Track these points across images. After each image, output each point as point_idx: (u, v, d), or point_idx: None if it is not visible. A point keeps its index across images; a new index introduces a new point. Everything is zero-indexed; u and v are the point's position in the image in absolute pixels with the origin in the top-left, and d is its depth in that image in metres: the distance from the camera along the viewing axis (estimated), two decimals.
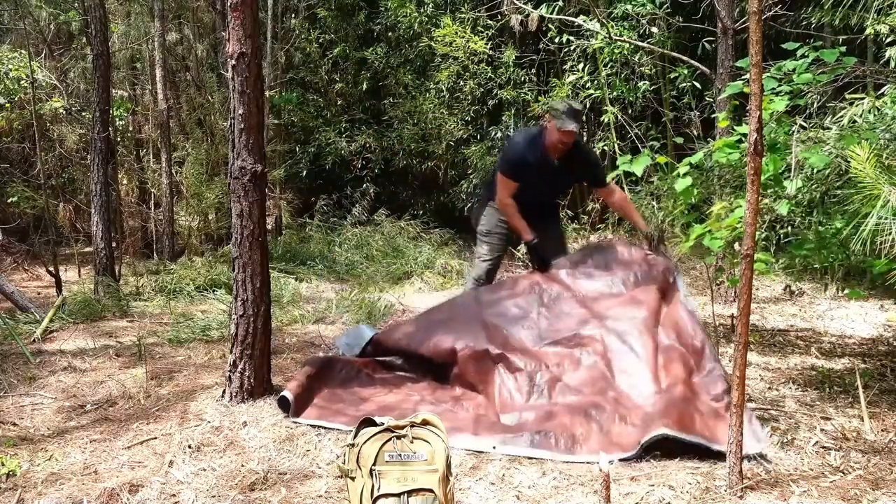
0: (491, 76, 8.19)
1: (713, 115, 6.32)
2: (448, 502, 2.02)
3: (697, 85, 7.03)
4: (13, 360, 3.91)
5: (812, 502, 2.23)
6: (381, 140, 9.14)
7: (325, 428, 2.89)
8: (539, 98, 7.95)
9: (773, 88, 3.22)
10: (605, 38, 6.52)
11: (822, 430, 2.79)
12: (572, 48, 7.47)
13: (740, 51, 5.38)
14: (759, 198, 2.29)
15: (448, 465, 2.06)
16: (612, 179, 3.83)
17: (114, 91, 8.12)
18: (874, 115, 3.54)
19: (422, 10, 8.43)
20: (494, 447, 2.67)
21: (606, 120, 7.32)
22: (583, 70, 7.55)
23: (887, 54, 5.26)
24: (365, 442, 2.03)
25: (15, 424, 3.02)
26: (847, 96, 3.86)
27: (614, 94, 7.39)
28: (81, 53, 8.94)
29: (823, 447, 2.64)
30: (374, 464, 1.99)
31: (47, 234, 6.79)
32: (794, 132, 3.44)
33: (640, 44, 6.52)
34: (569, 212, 7.89)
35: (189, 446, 2.69)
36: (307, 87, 9.84)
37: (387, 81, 9.11)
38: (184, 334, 4.42)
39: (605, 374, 3.04)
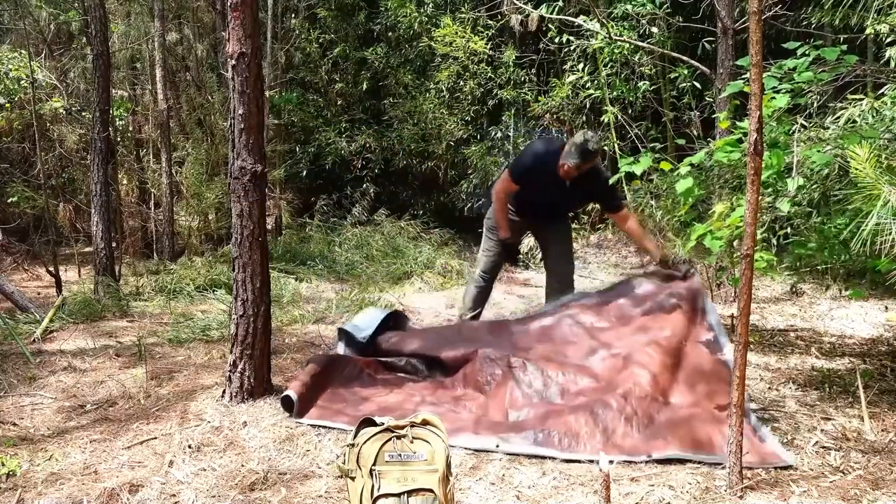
0: (491, 76, 8.19)
1: (713, 115, 6.31)
2: (448, 502, 2.02)
3: (697, 85, 7.03)
4: (13, 360, 3.91)
5: (812, 502, 2.23)
6: (381, 140, 9.14)
7: (327, 427, 2.90)
8: (539, 98, 7.95)
9: (774, 87, 3.22)
10: (605, 38, 6.52)
11: (822, 430, 2.79)
12: (572, 48, 7.47)
13: (740, 51, 5.37)
14: (760, 197, 2.29)
15: (448, 465, 2.06)
16: (625, 204, 3.87)
17: (114, 91, 8.12)
18: (873, 116, 3.54)
19: (422, 10, 8.44)
20: (498, 445, 2.67)
21: (606, 120, 7.32)
22: (583, 70, 7.55)
23: (887, 54, 5.26)
24: (365, 442, 2.03)
25: (15, 424, 3.02)
26: (848, 97, 3.86)
27: (614, 94, 7.40)
28: (81, 53, 8.94)
29: (823, 447, 2.64)
30: (374, 464, 1.99)
31: (47, 234, 6.79)
32: (794, 131, 3.44)
33: (640, 44, 6.53)
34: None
35: (189, 446, 2.69)
36: (307, 87, 9.85)
37: (387, 81, 9.11)
38: (184, 334, 4.42)
39: (616, 378, 3.04)
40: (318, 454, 2.65)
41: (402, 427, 2.07)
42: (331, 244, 7.78)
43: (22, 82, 7.34)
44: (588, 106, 7.83)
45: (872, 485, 2.32)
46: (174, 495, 2.35)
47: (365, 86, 9.29)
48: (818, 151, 3.06)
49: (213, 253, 7.95)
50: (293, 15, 9.98)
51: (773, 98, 3.11)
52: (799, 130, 3.46)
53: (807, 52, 3.31)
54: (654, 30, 7.19)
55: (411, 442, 2.04)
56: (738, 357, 2.29)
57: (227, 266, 6.53)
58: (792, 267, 3.50)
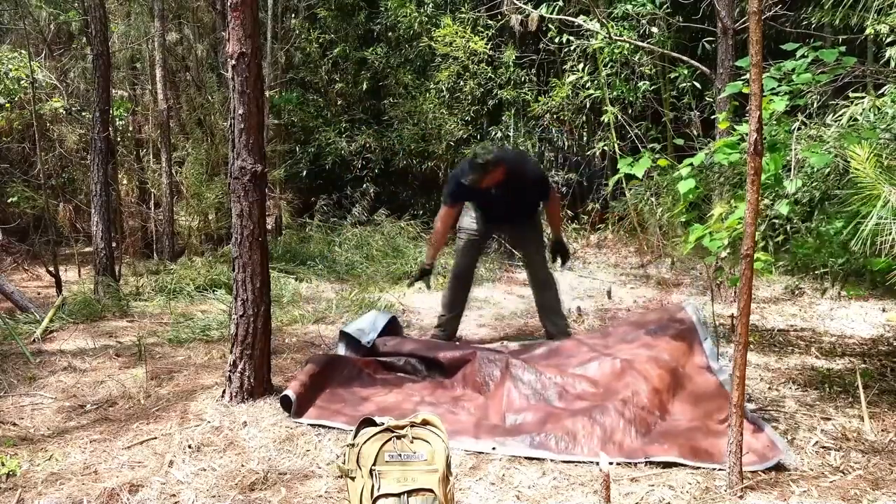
0: (491, 76, 8.19)
1: (713, 116, 6.32)
2: (448, 502, 2.02)
3: (697, 85, 7.04)
4: (13, 360, 3.91)
5: (812, 502, 2.23)
6: (381, 140, 9.14)
7: (326, 427, 2.90)
8: (539, 98, 7.95)
9: (773, 89, 3.22)
10: (605, 38, 6.53)
11: (822, 430, 2.79)
12: (572, 48, 7.47)
13: (740, 51, 5.37)
14: (759, 198, 2.29)
15: (448, 465, 2.06)
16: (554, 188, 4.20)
17: (114, 91, 8.12)
18: (874, 115, 3.54)
19: (422, 10, 8.43)
20: (494, 448, 2.67)
21: (606, 120, 7.33)
22: (583, 70, 7.55)
23: (887, 54, 5.26)
24: (365, 442, 2.03)
25: (15, 424, 3.02)
26: (850, 95, 3.86)
27: (614, 94, 7.40)
28: (81, 53, 8.94)
29: (823, 447, 2.64)
30: (374, 464, 1.99)
31: (47, 234, 6.79)
32: (794, 131, 3.44)
33: (640, 44, 6.53)
34: (569, 212, 7.90)
35: (189, 446, 2.70)
36: (307, 87, 9.84)
37: (387, 81, 9.11)
38: (184, 334, 4.42)
39: (615, 384, 3.06)
40: (318, 454, 2.65)
41: (402, 427, 2.07)
42: (331, 244, 7.78)
43: (22, 82, 7.33)
44: (588, 106, 7.83)
45: (872, 485, 2.33)
46: (174, 495, 2.35)
47: (365, 86, 9.29)
48: (817, 152, 3.06)
49: (213, 253, 7.94)
50: (293, 15, 9.98)
51: (772, 101, 3.11)
52: (798, 129, 3.46)
53: (805, 54, 3.31)
54: (654, 30, 7.20)
55: (411, 442, 2.04)
56: (738, 357, 2.29)
57: (227, 266, 6.53)
58: (790, 268, 3.50)
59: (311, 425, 2.91)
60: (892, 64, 5.17)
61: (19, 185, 8.25)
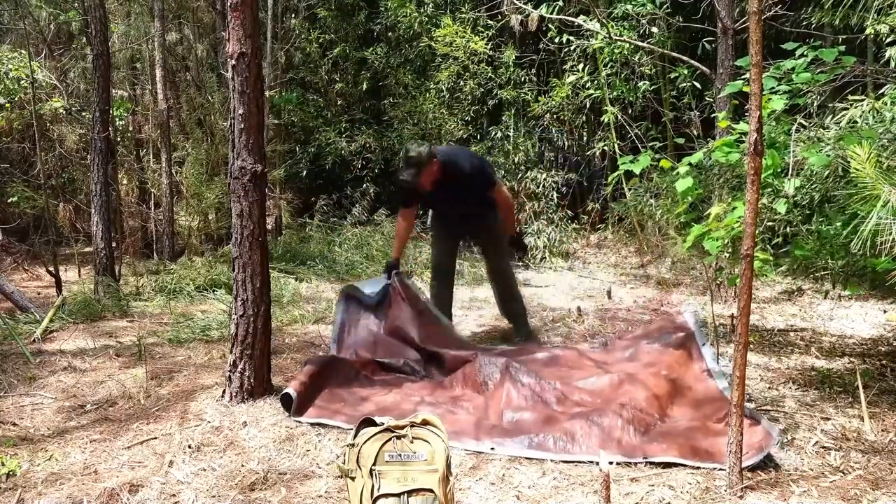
0: (491, 76, 8.19)
1: (713, 115, 6.32)
2: (448, 502, 2.02)
3: (697, 85, 7.04)
4: (13, 360, 3.91)
5: (812, 502, 2.23)
6: (381, 140, 9.14)
7: (325, 425, 2.91)
8: (539, 98, 7.95)
9: (773, 88, 3.22)
10: (605, 38, 6.53)
11: (822, 430, 2.79)
12: (572, 48, 7.47)
13: (740, 51, 5.38)
14: (759, 197, 2.30)
15: (448, 465, 2.06)
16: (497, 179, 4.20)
17: (114, 91, 8.12)
18: (873, 117, 3.54)
19: (422, 10, 8.43)
20: (493, 448, 2.67)
21: (606, 120, 7.33)
22: (583, 70, 7.56)
23: (887, 54, 5.26)
24: (365, 442, 2.03)
25: (15, 424, 3.02)
26: (849, 98, 3.86)
27: (614, 94, 7.40)
28: (81, 53, 8.94)
29: (823, 447, 2.64)
30: (374, 464, 1.99)
31: (47, 234, 6.79)
32: (793, 131, 3.44)
33: (640, 44, 6.53)
34: (569, 211, 7.90)
35: (189, 446, 2.70)
36: (307, 87, 9.85)
37: (387, 81, 9.11)
38: (184, 334, 4.42)
39: (614, 393, 3.09)
40: (318, 454, 2.65)
41: (402, 427, 2.07)
42: (331, 244, 7.78)
43: (22, 82, 7.33)
44: (588, 106, 7.83)
45: (872, 485, 2.33)
46: (174, 495, 2.35)
47: (365, 86, 9.29)
48: (817, 152, 3.06)
49: (213, 253, 7.94)
50: (293, 15, 9.98)
51: (771, 100, 3.11)
52: (798, 130, 3.46)
53: (805, 53, 3.31)
54: (654, 30, 7.20)
55: (411, 442, 2.04)
56: (738, 357, 2.29)
57: (227, 266, 6.53)
58: (790, 270, 3.51)
59: (312, 424, 2.91)
60: (892, 64, 5.17)
61: (19, 185, 8.25)
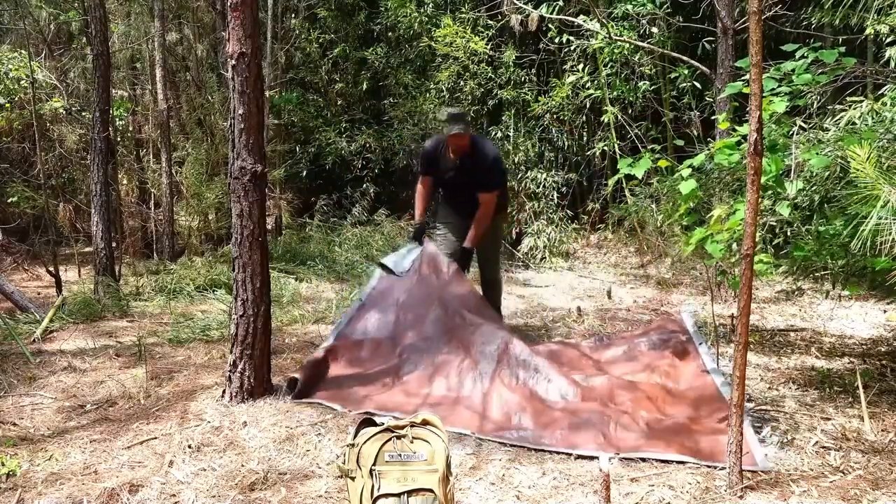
0: (491, 76, 8.19)
1: (713, 116, 6.32)
2: (448, 502, 2.02)
3: (697, 85, 7.04)
4: (13, 360, 3.91)
5: (812, 502, 2.23)
6: (381, 140, 9.14)
7: (327, 406, 3.09)
8: (539, 98, 7.95)
9: (773, 89, 3.22)
10: (605, 38, 6.53)
11: (822, 430, 2.79)
12: (572, 48, 7.47)
13: (740, 51, 5.38)
14: (759, 198, 2.30)
15: (448, 465, 2.06)
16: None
17: (114, 91, 8.12)
18: (872, 119, 3.54)
19: (422, 10, 8.43)
20: (479, 436, 2.78)
21: (606, 120, 7.32)
22: (583, 70, 7.55)
23: (887, 54, 5.26)
24: (365, 442, 2.03)
25: (15, 424, 3.02)
26: (847, 99, 3.87)
27: (614, 94, 7.40)
28: (81, 53, 8.94)
29: (823, 447, 2.64)
30: (374, 464, 1.99)
31: (47, 234, 6.79)
32: (793, 133, 3.44)
33: (640, 44, 6.53)
34: (569, 211, 7.90)
35: (189, 446, 2.70)
36: (307, 87, 9.84)
37: (387, 81, 9.11)
38: (184, 334, 4.42)
39: (608, 388, 3.14)
40: (318, 454, 2.65)
41: (402, 427, 2.07)
42: (331, 244, 7.78)
43: (22, 82, 7.33)
44: (588, 106, 7.83)
45: (872, 485, 2.33)
46: (174, 495, 2.35)
47: (365, 86, 9.29)
48: (817, 154, 3.07)
49: (213, 253, 7.94)
50: (293, 15, 9.98)
51: (772, 101, 3.11)
52: (798, 132, 3.46)
53: (805, 54, 3.31)
54: (654, 30, 7.20)
55: (411, 442, 2.04)
56: (738, 357, 2.29)
57: (227, 266, 6.53)
58: (790, 271, 3.51)
59: (312, 424, 2.91)
60: (892, 64, 5.17)
61: (19, 185, 8.25)
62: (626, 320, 4.80)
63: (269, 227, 7.94)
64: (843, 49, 3.28)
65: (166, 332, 4.54)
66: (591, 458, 2.59)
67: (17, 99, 7.59)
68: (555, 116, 7.99)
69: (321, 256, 7.22)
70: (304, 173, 9.56)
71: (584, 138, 8.20)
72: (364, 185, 9.13)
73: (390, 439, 2.04)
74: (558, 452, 2.65)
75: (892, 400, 3.08)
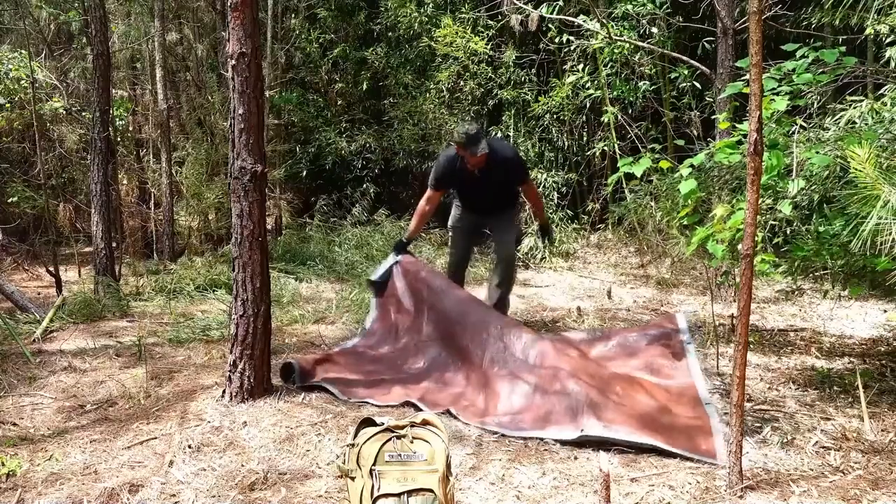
0: (491, 76, 8.19)
1: (713, 116, 6.32)
2: (448, 502, 2.02)
3: (697, 85, 7.03)
4: (13, 360, 3.91)
5: (812, 502, 2.23)
6: (381, 140, 9.13)
7: (326, 390, 3.24)
8: (539, 98, 7.94)
9: (773, 89, 3.22)
10: (605, 38, 6.52)
11: (822, 430, 2.79)
12: (572, 48, 7.47)
13: (740, 51, 5.38)
14: (759, 198, 2.30)
15: (448, 465, 2.06)
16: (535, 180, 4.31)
17: (114, 91, 8.12)
18: (873, 117, 3.54)
19: (422, 10, 8.43)
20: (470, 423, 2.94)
21: (606, 120, 7.32)
22: (583, 70, 7.55)
23: (887, 54, 5.26)
24: (365, 442, 2.03)
25: (15, 424, 3.02)
26: (847, 98, 3.87)
27: (614, 94, 7.39)
28: (81, 53, 8.94)
29: (823, 447, 2.64)
30: (374, 464, 1.99)
31: (47, 234, 6.79)
32: (794, 132, 3.44)
33: (640, 44, 6.53)
34: (569, 211, 7.90)
35: (189, 446, 2.70)
36: (307, 87, 9.84)
37: (387, 81, 9.10)
38: (184, 334, 4.42)
39: (598, 374, 3.21)
40: (318, 454, 2.65)
41: (402, 427, 2.07)
42: (331, 244, 7.77)
43: (22, 82, 7.33)
44: (588, 106, 7.82)
45: (872, 485, 2.33)
46: (174, 495, 2.35)
47: (365, 86, 9.28)
48: (817, 153, 3.07)
49: (213, 253, 7.94)
50: (293, 15, 9.98)
51: (773, 100, 3.11)
52: (798, 132, 3.46)
53: (806, 54, 3.31)
54: (654, 30, 7.19)
55: (411, 442, 2.04)
56: (738, 357, 2.29)
57: (227, 266, 6.53)
58: (790, 271, 3.51)
59: (312, 424, 2.91)
60: (892, 64, 5.17)
61: (19, 185, 8.25)
62: (626, 320, 4.80)
63: (269, 227, 7.94)
64: (843, 49, 3.28)
65: (166, 332, 4.54)
66: (567, 442, 2.63)
67: (17, 99, 7.59)
68: (555, 116, 7.99)
69: (321, 256, 7.22)
70: (304, 173, 9.56)
71: (584, 138, 8.20)
72: (364, 185, 9.13)
73: (390, 439, 2.04)
74: (527, 438, 2.79)
75: (892, 400, 3.08)
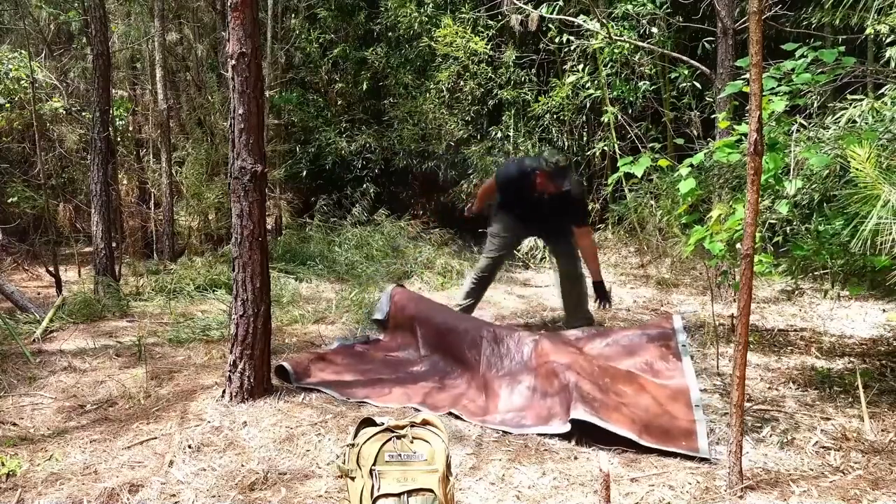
0: (491, 76, 8.19)
1: (713, 115, 6.32)
2: (448, 502, 2.02)
3: (697, 85, 7.03)
4: (13, 360, 3.91)
5: (812, 502, 2.23)
6: (381, 140, 9.13)
7: (321, 391, 3.26)
8: (539, 98, 7.95)
9: (773, 89, 3.22)
10: (605, 38, 6.52)
11: (822, 430, 2.79)
12: (572, 48, 7.47)
13: (740, 51, 5.37)
14: (759, 198, 2.30)
15: (448, 465, 2.06)
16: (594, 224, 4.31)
17: (114, 91, 8.11)
18: (872, 118, 3.54)
19: (422, 10, 8.43)
20: (472, 423, 2.95)
21: (606, 120, 7.32)
22: (583, 70, 7.55)
23: (887, 54, 5.26)
24: (365, 442, 2.03)
25: (15, 424, 3.02)
26: (848, 97, 3.86)
27: (614, 94, 7.39)
28: (81, 53, 8.93)
29: (823, 447, 2.64)
30: (374, 464, 1.99)
31: (47, 234, 6.78)
32: (793, 132, 3.44)
33: (640, 44, 6.53)
34: None
35: (189, 446, 2.70)
36: (307, 87, 9.84)
37: (387, 81, 9.10)
38: (184, 334, 4.42)
39: (574, 368, 3.21)
40: (318, 454, 2.65)
41: (402, 427, 2.07)
42: (331, 244, 7.77)
43: (22, 82, 7.33)
44: (588, 106, 7.82)
45: (872, 485, 2.33)
46: (174, 495, 2.35)
47: (365, 86, 9.28)
48: (816, 153, 3.07)
49: (213, 253, 7.94)
50: (293, 15, 9.97)
51: (771, 101, 3.11)
52: (798, 131, 3.46)
53: (805, 54, 3.31)
54: (654, 30, 7.19)
55: (411, 442, 2.04)
56: (738, 357, 2.29)
57: (227, 266, 6.53)
58: (790, 270, 3.51)
59: (312, 424, 2.91)
60: (892, 64, 5.17)
61: (19, 185, 8.24)
62: (626, 320, 4.80)
63: (269, 227, 7.94)
64: (843, 49, 3.28)
65: (166, 332, 4.54)
66: (555, 435, 2.59)
67: (17, 99, 7.58)
68: (555, 116, 7.99)
69: (321, 256, 7.22)
70: (304, 173, 9.56)
71: (584, 138, 8.20)
72: (364, 185, 9.13)
73: (390, 439, 2.04)
74: (530, 435, 2.82)
75: (892, 400, 3.08)
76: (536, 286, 6.21)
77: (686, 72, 6.92)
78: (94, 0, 5.60)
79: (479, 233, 8.19)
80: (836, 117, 3.81)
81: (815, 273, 3.45)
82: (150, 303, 5.56)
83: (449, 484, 2.04)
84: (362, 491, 1.97)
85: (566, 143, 8.05)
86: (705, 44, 7.00)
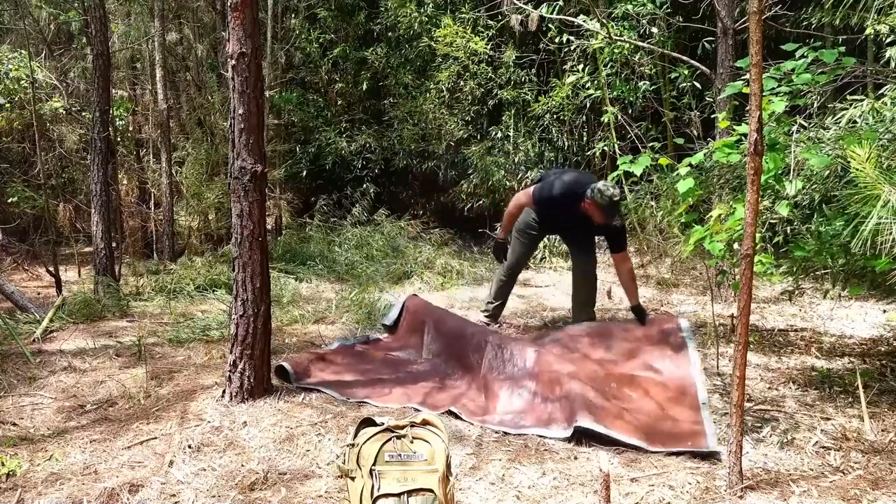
0: (491, 76, 8.19)
1: (713, 115, 6.31)
2: (448, 502, 2.02)
3: (697, 85, 7.03)
4: (13, 360, 3.91)
5: (812, 502, 2.23)
6: (381, 140, 9.13)
7: (321, 391, 3.26)
8: (539, 98, 7.94)
9: (773, 89, 3.22)
10: (605, 38, 6.52)
11: (822, 430, 2.79)
12: (572, 48, 7.47)
13: (740, 51, 5.37)
14: (759, 198, 2.30)
15: (448, 465, 2.06)
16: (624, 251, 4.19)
17: (114, 91, 8.11)
18: (873, 118, 3.54)
19: (422, 10, 8.42)
20: (471, 422, 2.95)
21: (606, 120, 7.32)
22: (583, 70, 7.55)
23: (887, 54, 5.26)
24: (365, 442, 2.03)
25: (15, 424, 3.02)
26: (848, 97, 3.86)
27: (614, 94, 7.39)
28: (81, 53, 8.93)
29: (823, 447, 2.64)
30: (374, 464, 1.99)
31: (47, 234, 6.78)
32: (793, 132, 3.44)
33: (640, 44, 6.52)
34: None
35: (189, 446, 2.70)
36: (307, 87, 9.84)
37: (387, 81, 9.10)
38: (184, 334, 4.42)
39: (579, 374, 3.23)
40: (318, 454, 2.65)
41: (402, 427, 2.07)
42: (331, 244, 7.77)
43: (22, 82, 7.33)
44: (588, 106, 7.82)
45: (872, 485, 2.33)
46: (174, 495, 2.35)
47: (365, 86, 9.28)
48: (817, 153, 3.06)
49: (213, 253, 7.94)
50: (293, 15, 9.97)
51: (771, 101, 3.11)
52: (798, 131, 3.46)
53: (805, 54, 3.31)
54: (654, 30, 7.19)
55: (411, 442, 2.04)
56: (738, 357, 2.29)
57: (227, 266, 6.53)
58: (790, 271, 3.51)
59: (312, 425, 2.91)
60: (893, 64, 5.17)
61: (19, 185, 8.24)
62: (626, 320, 4.80)
63: (269, 227, 7.94)
64: (843, 49, 3.28)
65: (166, 332, 4.54)
66: (565, 438, 2.60)
67: (17, 99, 7.58)
68: (555, 116, 7.98)
69: (321, 256, 7.22)
70: (304, 173, 9.56)
71: (584, 138, 8.19)
72: (364, 185, 9.13)
73: (390, 439, 2.04)
74: (528, 436, 2.82)
75: (892, 400, 3.08)
76: (536, 286, 6.21)
77: (686, 72, 6.92)
78: (94, 0, 5.60)
79: (479, 232, 8.22)
80: (836, 118, 3.80)
81: (816, 273, 3.45)
82: (150, 303, 5.56)
83: (449, 484, 2.04)
84: (362, 491, 1.97)
85: (566, 143, 8.05)
86: (705, 44, 7.00)
